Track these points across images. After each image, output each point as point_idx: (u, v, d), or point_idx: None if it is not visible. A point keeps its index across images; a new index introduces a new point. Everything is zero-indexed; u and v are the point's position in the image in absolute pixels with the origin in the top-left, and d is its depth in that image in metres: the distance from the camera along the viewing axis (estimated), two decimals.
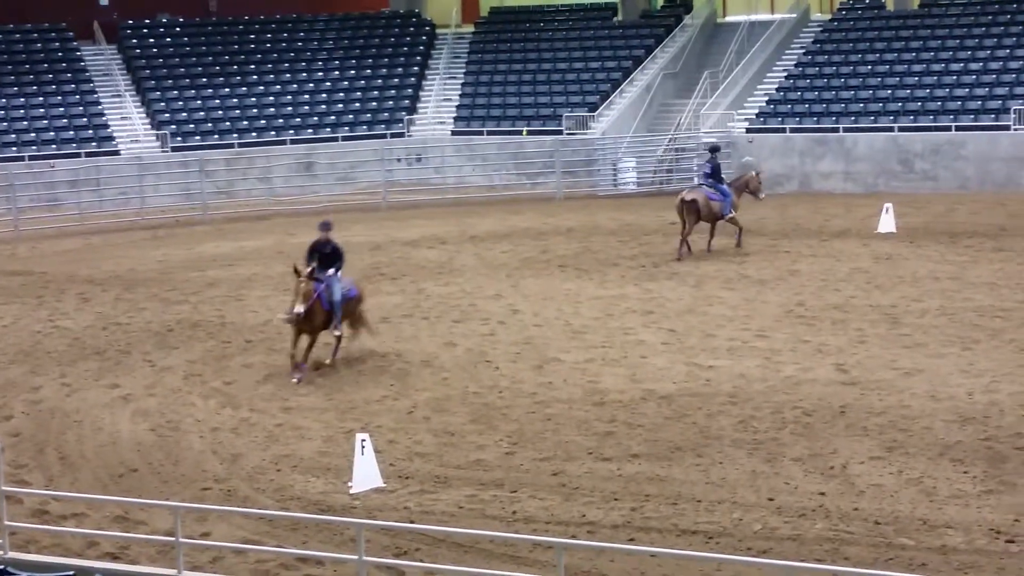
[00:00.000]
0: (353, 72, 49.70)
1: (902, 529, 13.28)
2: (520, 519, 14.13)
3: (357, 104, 48.42)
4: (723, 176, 31.10)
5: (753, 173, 31.78)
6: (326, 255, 20.61)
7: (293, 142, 45.70)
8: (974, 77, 43.66)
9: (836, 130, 42.91)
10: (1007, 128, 40.95)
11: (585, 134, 45.57)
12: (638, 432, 16.92)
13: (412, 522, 14.03)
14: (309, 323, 20.04)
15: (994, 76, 43.41)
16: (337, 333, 20.58)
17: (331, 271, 20.49)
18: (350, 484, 15.25)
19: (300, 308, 19.62)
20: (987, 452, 15.45)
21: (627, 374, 19.76)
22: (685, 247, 29.85)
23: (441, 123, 48.23)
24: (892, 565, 12.40)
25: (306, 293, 19.77)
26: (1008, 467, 14.90)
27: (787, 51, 48.46)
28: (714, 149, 32.25)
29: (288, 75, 49.01)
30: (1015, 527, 12.90)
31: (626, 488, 14.88)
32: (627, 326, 23.00)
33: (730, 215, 30.36)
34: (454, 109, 48.76)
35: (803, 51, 48.00)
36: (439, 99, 49.54)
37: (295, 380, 19.74)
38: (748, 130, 44.00)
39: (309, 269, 20.10)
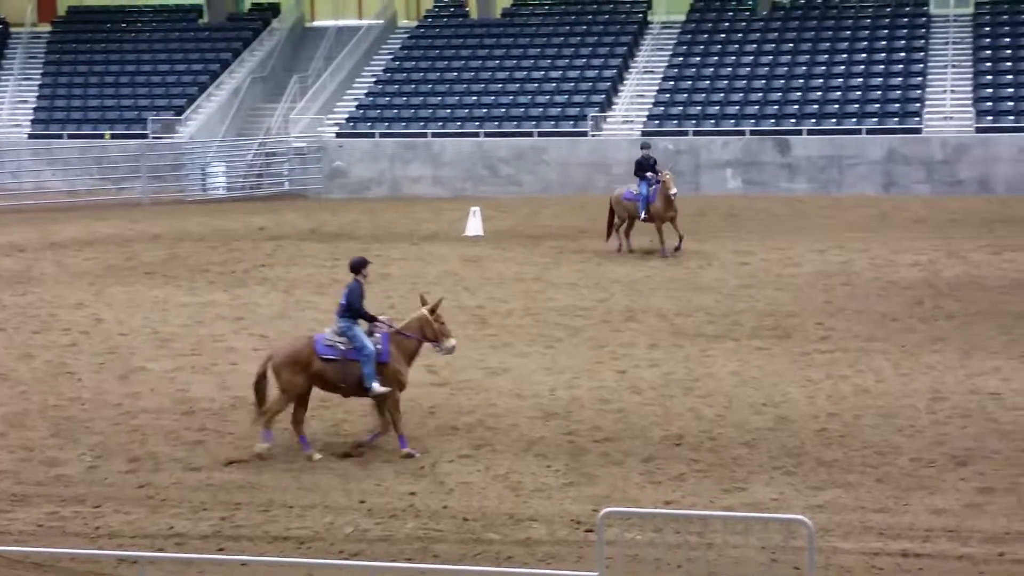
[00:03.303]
0: None
1: (489, 524, 13.57)
2: (104, 535, 13.60)
3: None
4: (650, 174, 29.55)
5: (665, 172, 29.68)
6: None
7: None
8: (554, 85, 45.38)
9: (424, 135, 43.65)
10: (585, 135, 42.75)
11: (172, 138, 44.60)
12: (229, 440, 16.62)
13: None
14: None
15: (573, 84, 45.24)
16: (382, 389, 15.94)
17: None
18: None
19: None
20: (569, 446, 16.00)
21: (217, 382, 19.39)
22: (619, 241, 29.95)
23: (17, 126, 46.18)
24: (479, 560, 12.64)
25: None
26: (587, 459, 15.47)
27: (375, 57, 48.96)
28: (643, 146, 31.23)
29: None
30: (593, 516, 13.37)
31: (216, 497, 14.58)
32: (217, 333, 22.61)
33: (644, 217, 29.34)
34: (31, 111, 46.78)
35: (391, 57, 48.62)
36: (14, 100, 47.40)
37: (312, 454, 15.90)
38: (338, 135, 44.16)
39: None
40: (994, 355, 19.89)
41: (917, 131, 41.15)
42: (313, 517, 13.95)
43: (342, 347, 15.80)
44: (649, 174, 29.61)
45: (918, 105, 42.18)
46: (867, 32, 46.42)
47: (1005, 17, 46.18)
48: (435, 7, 51.94)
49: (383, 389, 15.81)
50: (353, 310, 15.90)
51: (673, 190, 28.98)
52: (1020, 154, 40.08)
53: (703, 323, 22.71)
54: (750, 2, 48.69)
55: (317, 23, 52.87)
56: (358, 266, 16.24)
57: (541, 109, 44.28)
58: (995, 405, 17.26)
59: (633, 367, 19.76)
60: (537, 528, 13.44)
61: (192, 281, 27.49)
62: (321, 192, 43.30)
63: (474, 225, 33.44)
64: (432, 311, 16.09)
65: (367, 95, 46.49)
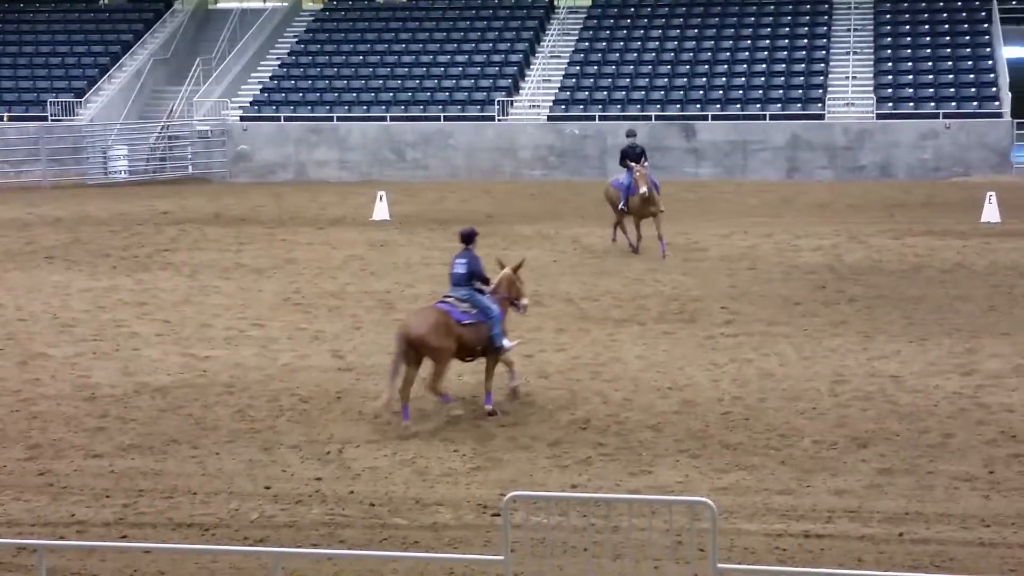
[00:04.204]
0: None
1: (396, 509, 13.53)
2: (3, 523, 13.36)
3: None
4: (631, 163, 27.53)
5: (636, 168, 27.42)
6: None
7: None
8: (461, 69, 45.33)
9: (330, 119, 43.42)
10: (492, 119, 42.75)
11: (72, 120, 43.92)
12: (131, 426, 16.42)
13: None
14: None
15: (479, 69, 45.22)
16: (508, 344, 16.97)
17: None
18: None
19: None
20: (475, 431, 15.99)
21: (120, 367, 19.14)
22: (616, 235, 28.33)
23: None
24: (386, 545, 12.60)
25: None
26: (494, 444, 15.48)
27: (280, 39, 48.60)
28: (628, 134, 29.24)
29: None
30: (500, 501, 13.38)
31: (118, 484, 14.39)
32: (120, 318, 22.32)
33: (622, 208, 27.47)
34: None
35: (296, 40, 48.28)
36: None
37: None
38: (242, 118, 43.77)
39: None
40: (894, 338, 20.19)
41: (820, 117, 41.67)
42: (218, 503, 13.82)
43: (473, 312, 16.53)
44: (633, 164, 27.61)
45: (820, 91, 42.69)
46: (771, 19, 46.87)
47: (905, 4, 46.87)
48: None
49: (514, 344, 17.11)
50: (479, 277, 16.76)
51: (642, 188, 26.84)
52: (920, 140, 40.73)
53: (609, 307, 22.81)
54: None
55: (221, 5, 52.32)
56: (471, 236, 16.99)
57: (448, 93, 44.19)
58: (895, 387, 17.52)
59: (540, 351, 19.79)
60: (444, 513, 13.42)
61: (94, 266, 27.12)
62: (225, 176, 42.89)
63: (381, 209, 33.31)
64: (515, 271, 17.29)
65: (272, 78, 46.11)
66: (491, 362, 16.80)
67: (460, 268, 16.70)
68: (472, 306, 16.54)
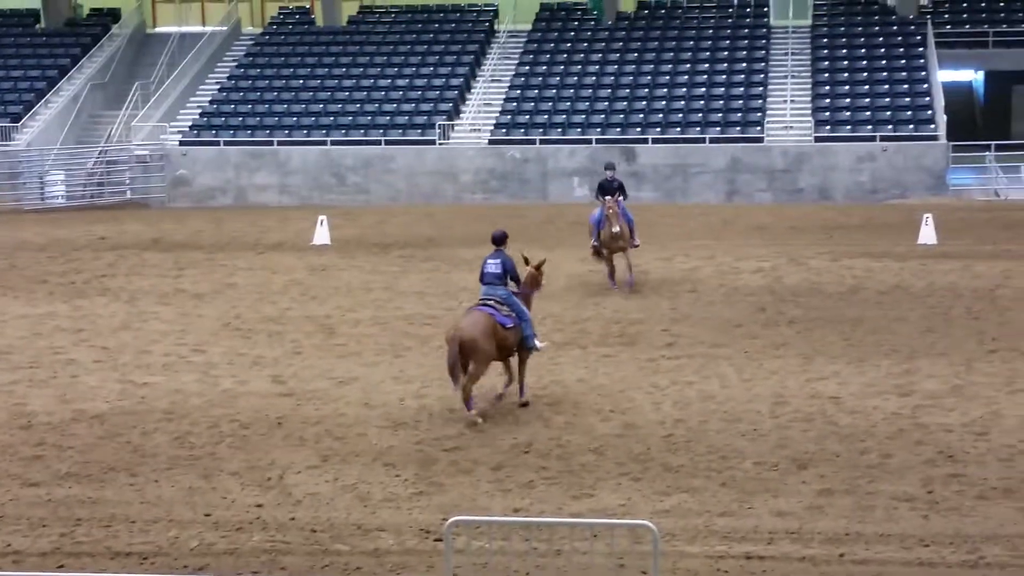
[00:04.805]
0: None
1: (337, 535, 13.45)
2: None
3: None
4: (608, 198, 26.09)
5: (608, 203, 26.05)
6: None
7: None
8: (401, 93, 45.34)
9: (271, 143, 43.27)
10: (433, 143, 42.76)
11: (8, 146, 43.54)
12: (69, 454, 16.23)
13: None
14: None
15: (420, 92, 45.25)
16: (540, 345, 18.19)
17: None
18: None
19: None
20: (418, 456, 15.94)
21: (57, 395, 18.94)
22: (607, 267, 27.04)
23: None
24: (328, 571, 12.52)
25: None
26: (437, 468, 15.43)
27: (220, 64, 48.44)
28: (606, 167, 27.30)
29: None
30: (442, 526, 13.33)
31: (55, 513, 14.22)
32: (56, 345, 22.09)
33: (594, 243, 26.44)
34: None
35: (236, 64, 48.13)
36: None
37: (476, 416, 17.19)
38: (181, 143, 43.54)
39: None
40: (834, 360, 20.33)
41: (759, 140, 41.96)
42: (157, 532, 13.68)
43: (512, 315, 17.35)
44: (608, 198, 26.23)
45: (759, 115, 43.01)
46: (710, 43, 47.21)
47: (842, 29, 47.38)
48: (280, 14, 51.52)
49: (544, 344, 18.29)
50: (514, 277, 17.65)
51: (614, 228, 25.60)
52: (857, 163, 41.11)
53: (551, 331, 22.81)
54: (595, 12, 49.21)
55: (159, 29, 52.06)
56: (503, 238, 17.89)
57: (388, 117, 44.17)
58: (835, 408, 17.63)
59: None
60: (386, 538, 13.36)
61: (30, 292, 26.85)
62: (164, 201, 42.62)
63: (321, 234, 33.19)
64: (537, 268, 18.21)
65: (211, 102, 45.91)
66: (524, 357, 17.77)
67: (495, 268, 17.56)
68: (511, 309, 17.37)
